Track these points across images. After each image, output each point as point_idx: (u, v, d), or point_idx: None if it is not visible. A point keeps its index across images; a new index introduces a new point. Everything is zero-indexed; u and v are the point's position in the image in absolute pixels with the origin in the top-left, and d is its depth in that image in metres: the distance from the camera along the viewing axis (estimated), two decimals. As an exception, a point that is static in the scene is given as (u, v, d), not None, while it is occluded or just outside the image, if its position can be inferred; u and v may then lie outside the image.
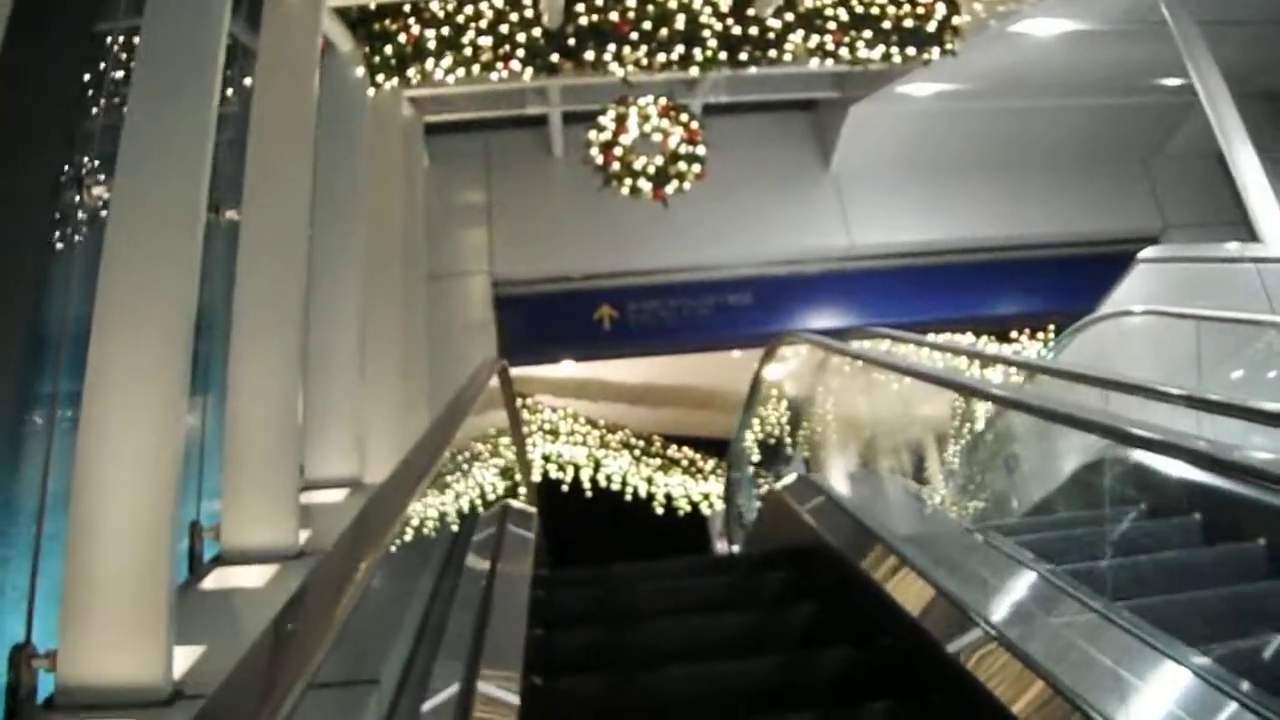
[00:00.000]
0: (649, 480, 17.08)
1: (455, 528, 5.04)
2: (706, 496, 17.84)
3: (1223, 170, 12.26)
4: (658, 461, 17.22)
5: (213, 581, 4.21)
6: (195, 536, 4.48)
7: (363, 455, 6.37)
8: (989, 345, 13.82)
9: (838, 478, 6.14)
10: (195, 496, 4.86)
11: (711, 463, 17.88)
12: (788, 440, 7.81)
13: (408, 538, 3.96)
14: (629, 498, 16.89)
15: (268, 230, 5.13)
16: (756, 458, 8.37)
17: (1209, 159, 11.98)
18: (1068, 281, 11.47)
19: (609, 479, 16.54)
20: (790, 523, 5.58)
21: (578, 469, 16.13)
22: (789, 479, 6.26)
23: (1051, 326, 12.61)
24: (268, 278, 5.05)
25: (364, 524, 2.31)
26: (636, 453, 16.91)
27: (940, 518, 5.13)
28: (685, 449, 17.58)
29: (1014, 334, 12.81)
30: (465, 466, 6.72)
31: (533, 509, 5.95)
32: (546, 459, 15.62)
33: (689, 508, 17.59)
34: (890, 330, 6.39)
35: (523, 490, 7.29)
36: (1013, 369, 6.77)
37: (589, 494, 16.30)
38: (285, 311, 5.07)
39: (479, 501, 6.46)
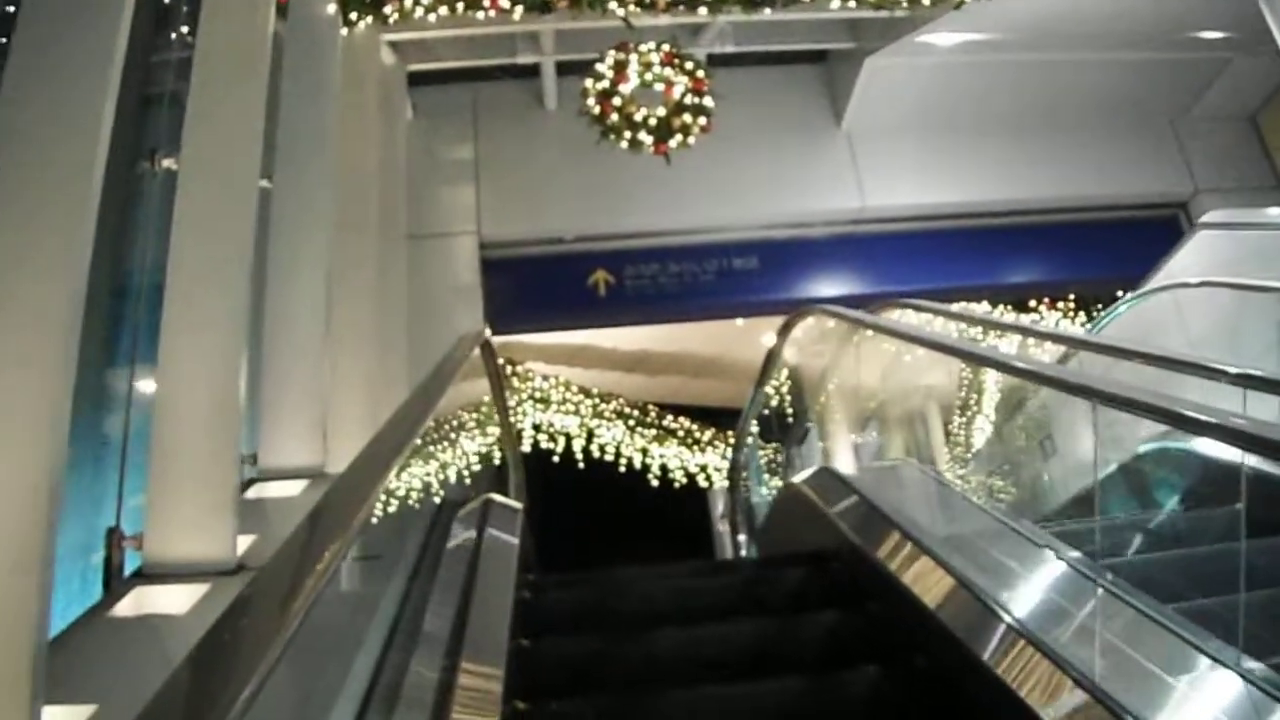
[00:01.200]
0: (644, 451, 16.51)
1: (423, 534, 4.36)
2: (704, 468, 17.26)
3: (1255, 133, 11.63)
4: (653, 432, 16.63)
5: (129, 605, 3.50)
6: (113, 546, 3.76)
7: (327, 440, 5.64)
8: (1015, 317, 13.15)
9: (867, 471, 5.46)
10: (117, 495, 4.15)
11: (709, 433, 17.32)
12: (807, 424, 7.10)
13: (365, 548, 3.31)
14: (623, 469, 16.37)
15: (208, 181, 4.38)
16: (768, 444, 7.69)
17: (1240, 120, 11.29)
18: (1091, 248, 10.80)
19: (602, 449, 15.97)
20: (813, 523, 4.90)
21: (569, 439, 15.55)
22: (810, 471, 5.56)
23: (1072, 296, 11.97)
24: (207, 236, 4.31)
25: (310, 534, 1.93)
26: (631, 422, 16.31)
27: (1003, 526, 4.42)
28: (682, 419, 17.00)
29: (1032, 303, 12.14)
30: (441, 453, 6.02)
31: (518, 505, 5.25)
32: (537, 428, 15.04)
33: (685, 480, 17.08)
34: (926, 303, 5.63)
35: (512, 476, 6.63)
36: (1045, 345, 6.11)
37: (581, 465, 15.78)
38: (227, 276, 4.33)
39: (456, 493, 5.77)
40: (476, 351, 5.32)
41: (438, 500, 5.14)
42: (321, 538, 1.90)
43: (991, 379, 8.41)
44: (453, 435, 6.68)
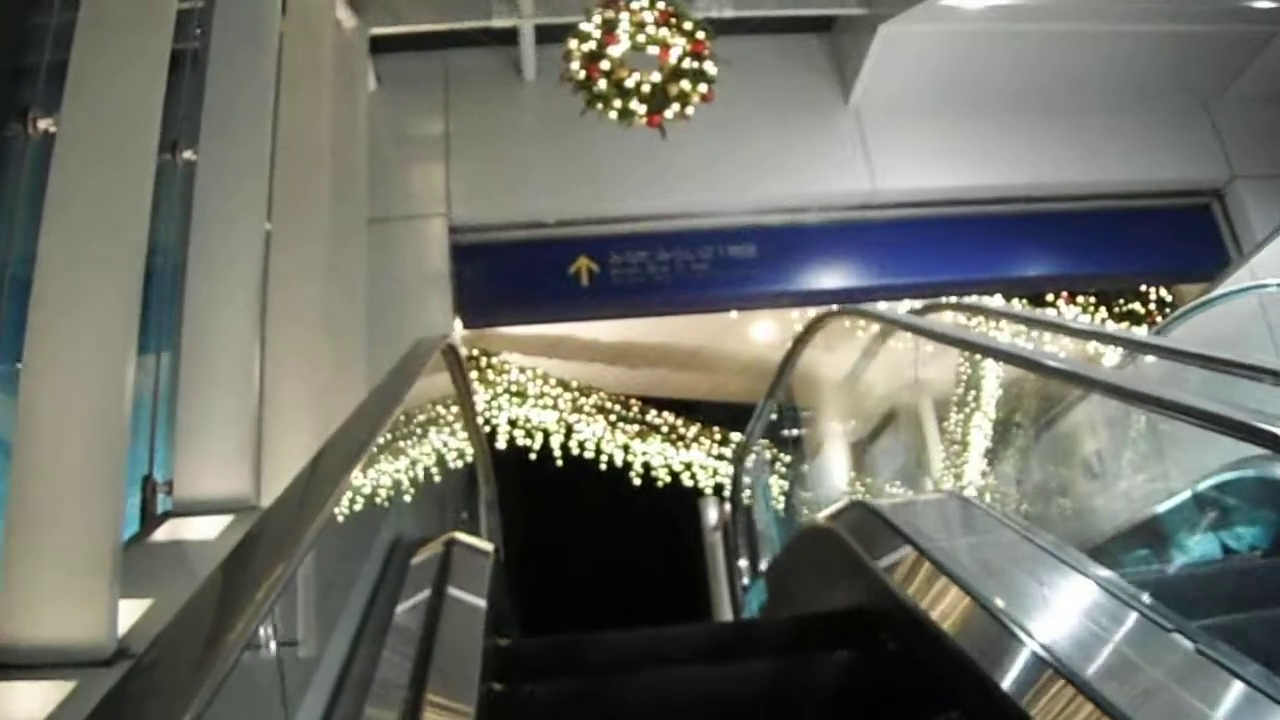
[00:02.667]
0: (625, 448, 15.71)
1: (365, 599, 3.42)
2: (688, 466, 16.48)
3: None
4: (635, 427, 15.83)
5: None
6: None
7: (263, 463, 4.69)
8: (1047, 315, 12.27)
9: (910, 508, 4.54)
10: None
11: (695, 428, 16.51)
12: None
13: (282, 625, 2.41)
14: (603, 467, 15.56)
15: (88, 149, 3.41)
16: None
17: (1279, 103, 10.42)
18: (1115, 239, 9.92)
19: (582, 446, 15.18)
20: (850, 576, 3.99)
21: (547, 435, 14.75)
22: (839, 506, 4.65)
23: (1091, 291, 11.10)
24: (88, 213, 3.34)
25: (211, 604, 1.55)
26: (612, 417, 15.50)
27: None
28: (666, 414, 16.21)
29: (1049, 298, 11.27)
30: (395, 475, 5.07)
31: (488, 547, 4.31)
32: (513, 424, 14.22)
33: (669, 478, 16.28)
34: (988, 304, 4.71)
35: (483, 492, 5.71)
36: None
37: (560, 464, 14.96)
38: (115, 260, 3.37)
39: (413, 527, 4.82)
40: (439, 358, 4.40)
41: (387, 542, 4.20)
42: (225, 612, 1.50)
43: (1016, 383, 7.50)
44: (409, 455, 5.73)
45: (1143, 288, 11.11)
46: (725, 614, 7.58)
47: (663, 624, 4.17)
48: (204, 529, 4.19)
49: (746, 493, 6.92)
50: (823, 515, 4.73)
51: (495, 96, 9.56)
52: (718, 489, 16.66)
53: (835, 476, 6.52)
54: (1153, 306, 11.69)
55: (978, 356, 4.41)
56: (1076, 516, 6.19)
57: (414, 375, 3.78)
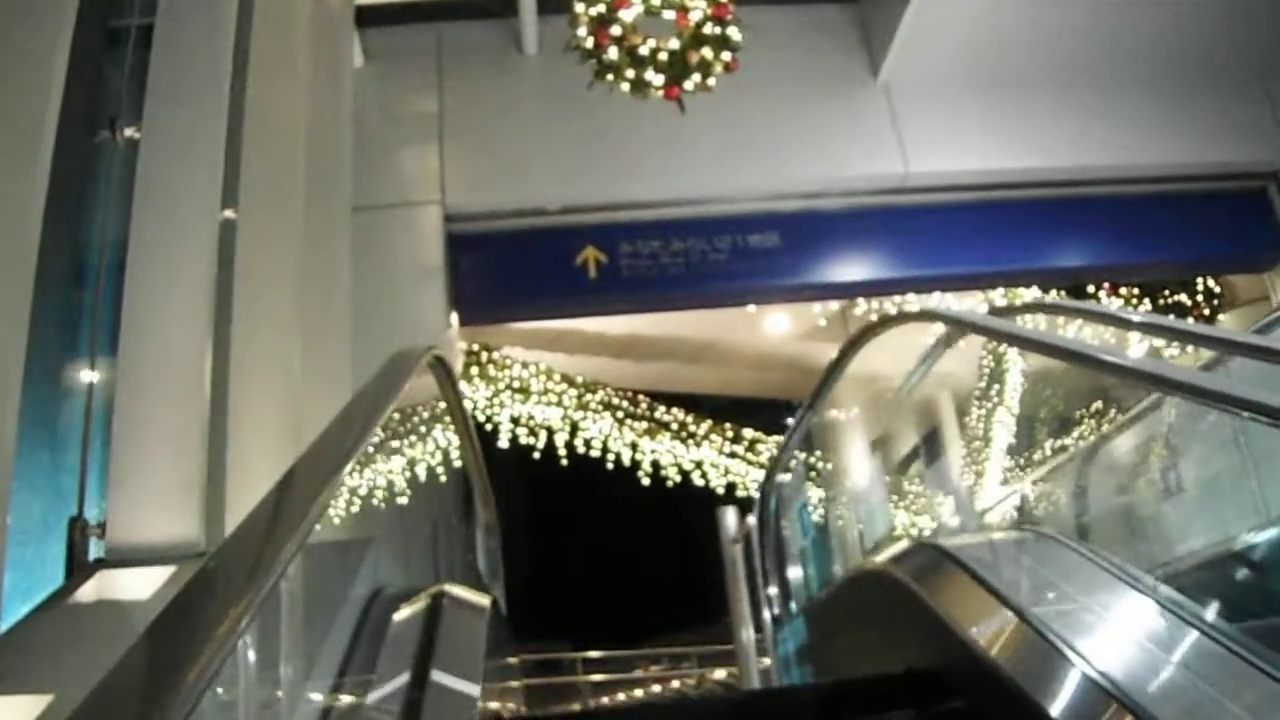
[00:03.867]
0: (633, 446, 15.03)
1: (327, 685, 2.69)
2: (699, 465, 15.82)
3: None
4: (644, 424, 15.14)
5: None
6: None
7: (217, 498, 3.94)
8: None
9: (993, 550, 3.79)
10: None
11: (705, 425, 15.84)
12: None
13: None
14: (610, 466, 14.89)
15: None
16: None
17: (1340, 80, 9.62)
18: (1162, 226, 9.16)
19: (587, 444, 14.50)
20: (924, 634, 3.26)
21: (551, 433, 14.06)
22: (901, 547, 3.91)
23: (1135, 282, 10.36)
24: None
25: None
26: (620, 414, 14.80)
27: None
28: (675, 410, 15.53)
29: (1090, 289, 10.51)
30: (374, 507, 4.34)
31: (484, 602, 3.58)
32: (516, 422, 13.55)
33: (679, 478, 15.63)
34: (1080, 304, 3.94)
35: (481, 525, 5.00)
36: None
37: (564, 463, 14.29)
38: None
39: (397, 573, 4.09)
40: (426, 376, 3.67)
41: (362, 598, 3.46)
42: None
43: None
44: (392, 480, 4.99)
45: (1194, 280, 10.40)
46: (747, 633, 6.88)
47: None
48: (140, 583, 3.44)
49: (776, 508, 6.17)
50: (883, 558, 3.99)
51: (493, 72, 8.77)
52: (729, 489, 15.99)
53: (877, 495, 5.76)
54: (1200, 298, 10.96)
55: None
56: (1143, 537, 5.44)
57: (390, 394, 3.08)
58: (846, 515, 5.83)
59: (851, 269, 8.74)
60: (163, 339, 3.94)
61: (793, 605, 5.96)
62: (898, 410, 5.63)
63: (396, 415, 4.69)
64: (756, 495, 6.84)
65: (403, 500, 4.88)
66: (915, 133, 8.75)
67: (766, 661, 6.12)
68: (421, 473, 5.96)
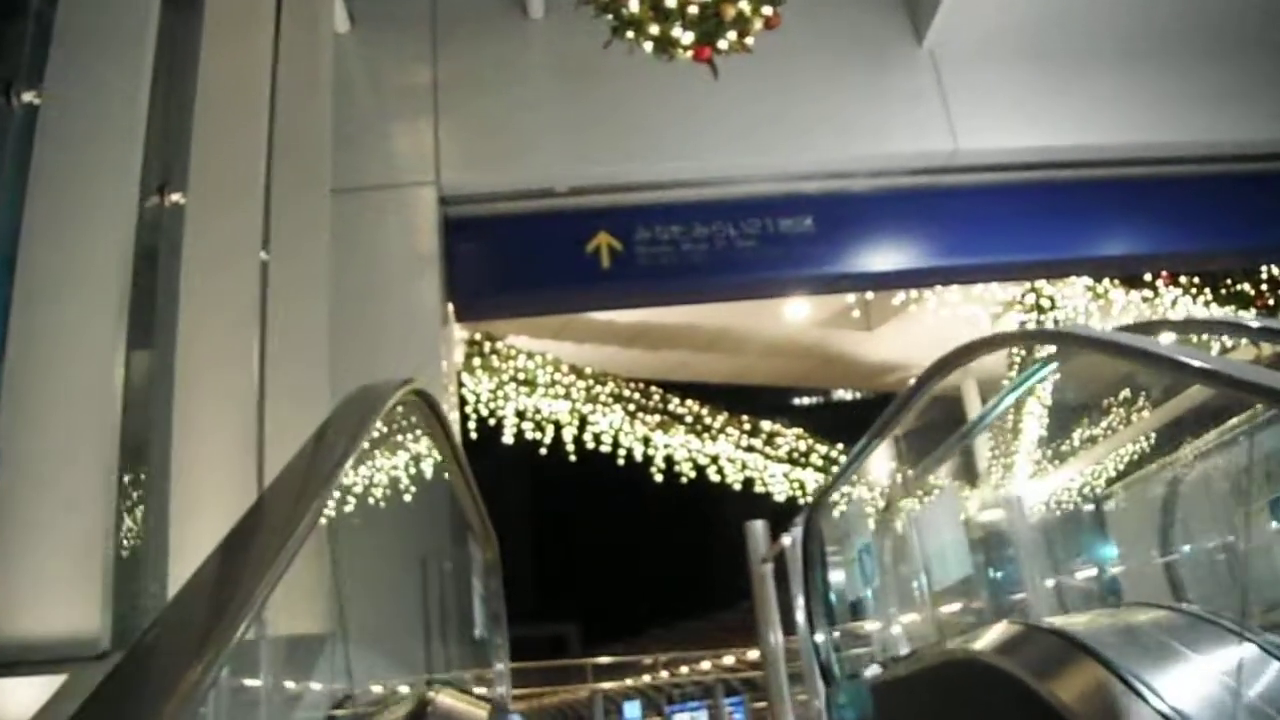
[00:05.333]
0: (645, 440, 14.29)
1: None
2: (714, 460, 15.07)
3: None
4: (656, 417, 14.37)
5: None
6: None
7: (132, 578, 3.08)
8: (1126, 294, 10.65)
9: (1147, 641, 2.91)
10: None
11: (721, 418, 15.09)
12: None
13: None
14: (621, 462, 14.17)
15: None
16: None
17: None
18: (1232, 208, 8.23)
19: (597, 438, 13.76)
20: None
21: (559, 427, 13.31)
22: (1009, 634, 3.04)
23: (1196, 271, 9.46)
24: None
25: None
26: (631, 406, 14.03)
27: None
28: (689, 401, 14.76)
29: (1148, 277, 9.64)
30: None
31: (480, 715, 2.71)
32: (521, 415, 12.80)
33: (693, 474, 14.91)
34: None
35: (480, 568, 4.17)
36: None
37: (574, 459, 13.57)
38: None
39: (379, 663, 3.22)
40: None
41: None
42: None
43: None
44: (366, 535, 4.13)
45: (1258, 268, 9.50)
46: (776, 668, 6.09)
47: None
48: (18, 696, 2.58)
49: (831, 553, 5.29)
50: (984, 645, 3.12)
51: (494, 38, 7.84)
52: (747, 484, 15.24)
53: (948, 530, 4.85)
54: (1264, 287, 10.11)
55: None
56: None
57: (351, 445, 2.23)
58: (906, 554, 4.94)
59: (891, 256, 7.84)
60: (63, 362, 3.06)
61: (837, 661, 5.12)
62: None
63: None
64: (799, 524, 5.97)
65: (384, 552, 4.05)
66: (964, 106, 7.83)
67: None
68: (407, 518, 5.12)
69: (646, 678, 34.56)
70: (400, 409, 3.08)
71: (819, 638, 5.21)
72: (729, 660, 30.09)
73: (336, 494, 3.29)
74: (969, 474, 9.99)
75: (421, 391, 2.99)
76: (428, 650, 4.44)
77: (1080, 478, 8.32)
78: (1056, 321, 13.73)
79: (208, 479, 4.15)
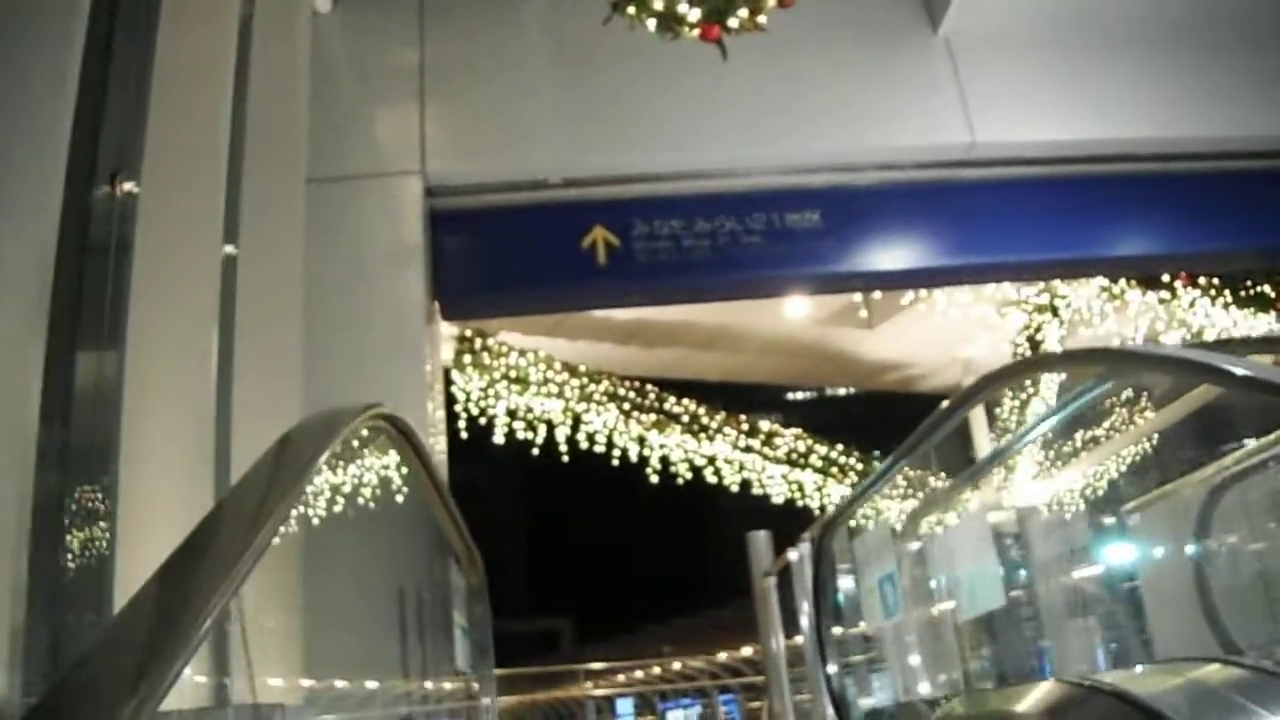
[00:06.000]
0: (640, 440, 13.91)
1: None
2: (711, 460, 14.69)
3: None
4: (652, 418, 13.99)
5: None
6: None
7: (43, 630, 2.66)
8: (1142, 295, 10.24)
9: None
10: None
11: (719, 418, 14.70)
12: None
13: None
14: (616, 463, 13.80)
15: None
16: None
17: None
18: (1258, 205, 7.81)
19: (591, 438, 13.39)
20: None
21: (551, 426, 12.94)
22: (1055, 695, 2.63)
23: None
24: None
25: None
26: (626, 406, 13.65)
27: None
28: (686, 401, 14.37)
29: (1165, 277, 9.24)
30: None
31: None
32: (513, 415, 12.44)
33: (690, 474, 14.55)
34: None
35: (462, 593, 3.77)
36: None
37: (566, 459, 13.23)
38: None
39: None
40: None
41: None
42: None
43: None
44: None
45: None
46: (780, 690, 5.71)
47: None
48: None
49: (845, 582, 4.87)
50: (1033, 709, 2.70)
51: (486, 19, 7.37)
52: (744, 485, 14.86)
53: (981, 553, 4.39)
54: (1286, 289, 9.71)
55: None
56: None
57: (297, 481, 1.82)
58: (928, 578, 4.51)
59: (903, 254, 7.42)
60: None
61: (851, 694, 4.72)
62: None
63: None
64: (806, 540, 5.57)
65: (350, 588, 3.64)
66: (982, 97, 7.40)
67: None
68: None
69: (639, 674, 34.36)
70: (367, 433, 2.67)
71: (831, 669, 4.81)
72: (723, 657, 29.87)
73: (294, 526, 2.84)
74: (1000, 491, 9.61)
75: (390, 416, 2.57)
76: (405, 688, 4.02)
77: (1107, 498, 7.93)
78: (1062, 323, 13.34)
79: (160, 498, 3.74)
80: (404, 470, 3.14)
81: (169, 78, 4.28)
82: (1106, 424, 9.69)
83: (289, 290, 5.38)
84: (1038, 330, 14.07)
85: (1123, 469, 8.77)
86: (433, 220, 6.92)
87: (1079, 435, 10.17)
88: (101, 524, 3.71)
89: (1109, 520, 5.12)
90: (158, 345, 3.92)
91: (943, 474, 5.42)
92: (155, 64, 4.26)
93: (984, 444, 13.81)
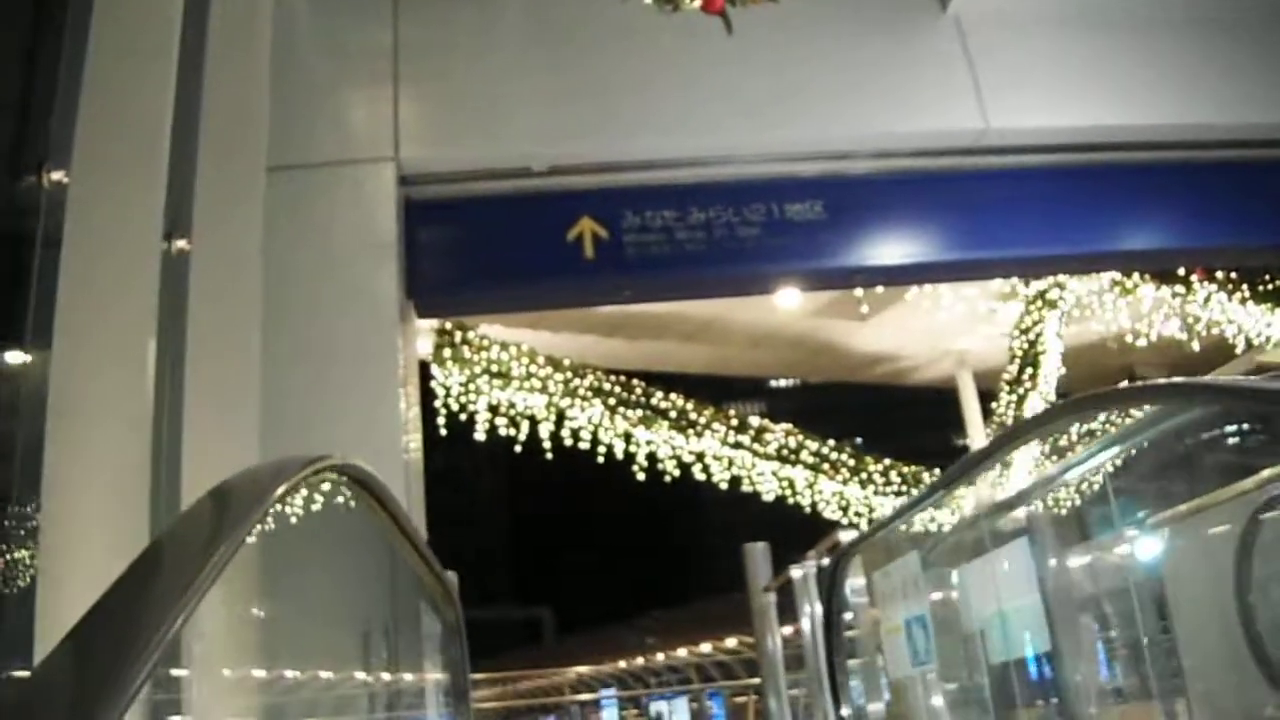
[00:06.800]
0: (626, 436, 13.47)
1: None
2: (700, 457, 14.26)
3: None
4: (639, 413, 13.55)
5: None
6: None
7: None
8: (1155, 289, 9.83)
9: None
10: None
11: (707, 413, 14.26)
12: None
13: None
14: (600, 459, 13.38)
15: None
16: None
17: None
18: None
19: (575, 435, 12.95)
20: None
21: (535, 422, 12.48)
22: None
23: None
24: None
25: None
26: (612, 401, 13.21)
27: None
28: (674, 395, 13.93)
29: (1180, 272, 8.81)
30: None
31: None
32: (494, 410, 11.99)
33: (678, 472, 14.11)
34: None
35: (434, 648, 3.32)
36: None
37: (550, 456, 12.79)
38: None
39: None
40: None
41: None
42: None
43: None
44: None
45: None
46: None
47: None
48: None
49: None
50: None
51: (465, -6, 6.91)
52: (734, 482, 14.43)
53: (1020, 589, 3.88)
54: (1306, 284, 9.31)
55: None
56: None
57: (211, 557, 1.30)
58: (959, 617, 4.05)
59: (910, 247, 6.97)
60: None
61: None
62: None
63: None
64: (811, 559, 5.15)
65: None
66: (995, 79, 6.94)
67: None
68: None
69: (622, 664, 34.03)
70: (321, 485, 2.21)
71: (845, 711, 4.36)
72: (706, 648, 29.56)
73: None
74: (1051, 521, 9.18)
75: (343, 468, 2.12)
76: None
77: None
78: (1062, 315, 12.94)
79: (89, 527, 3.28)
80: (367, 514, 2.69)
81: (105, 57, 3.80)
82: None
83: (246, 288, 4.89)
84: (1036, 323, 13.69)
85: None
86: (407, 211, 6.44)
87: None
88: (22, 556, 3.27)
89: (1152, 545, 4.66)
90: (89, 350, 3.46)
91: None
92: (90, 43, 3.78)
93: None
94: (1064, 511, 3.68)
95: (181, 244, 4.50)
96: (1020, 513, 3.55)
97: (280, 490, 1.76)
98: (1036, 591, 3.24)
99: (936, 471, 16.12)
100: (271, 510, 1.71)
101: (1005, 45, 7.03)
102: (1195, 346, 10.74)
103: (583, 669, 33.34)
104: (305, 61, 6.45)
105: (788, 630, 5.82)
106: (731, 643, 28.20)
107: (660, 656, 31.95)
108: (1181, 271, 9.14)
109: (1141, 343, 11.00)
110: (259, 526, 1.63)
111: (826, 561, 5.36)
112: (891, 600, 4.00)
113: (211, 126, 4.68)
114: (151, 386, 3.66)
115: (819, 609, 4.94)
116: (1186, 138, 7.24)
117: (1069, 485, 3.28)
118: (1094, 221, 7.14)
